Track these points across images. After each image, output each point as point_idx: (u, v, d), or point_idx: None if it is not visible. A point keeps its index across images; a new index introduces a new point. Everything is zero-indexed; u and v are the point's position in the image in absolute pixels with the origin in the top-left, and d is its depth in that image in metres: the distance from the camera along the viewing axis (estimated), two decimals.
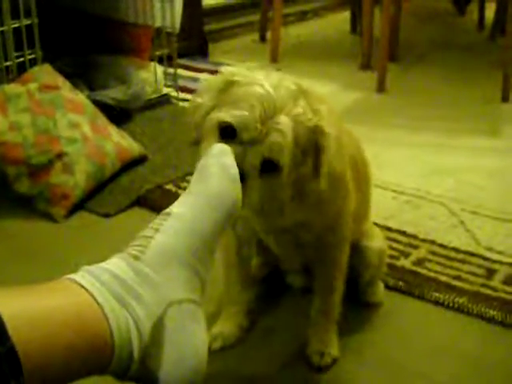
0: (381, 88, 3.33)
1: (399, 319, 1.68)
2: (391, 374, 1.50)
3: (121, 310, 0.95)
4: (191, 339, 1.03)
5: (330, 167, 1.25)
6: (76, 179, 2.15)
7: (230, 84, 1.22)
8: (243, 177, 1.12)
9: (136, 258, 1.01)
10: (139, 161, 2.43)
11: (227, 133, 1.16)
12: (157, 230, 1.05)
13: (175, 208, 1.09)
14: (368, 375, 1.49)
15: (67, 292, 0.95)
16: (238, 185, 1.10)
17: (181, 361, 1.01)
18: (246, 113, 1.14)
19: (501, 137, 2.86)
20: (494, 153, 2.67)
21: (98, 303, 0.94)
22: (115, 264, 1.00)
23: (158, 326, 0.99)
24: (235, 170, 1.10)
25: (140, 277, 0.99)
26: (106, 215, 2.12)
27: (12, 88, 2.28)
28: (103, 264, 1.01)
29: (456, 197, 2.26)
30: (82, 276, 0.97)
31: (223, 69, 1.28)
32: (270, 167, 1.17)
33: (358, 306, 1.71)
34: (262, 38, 4.29)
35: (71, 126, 2.25)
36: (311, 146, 1.21)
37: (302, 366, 1.51)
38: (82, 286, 0.95)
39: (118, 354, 0.95)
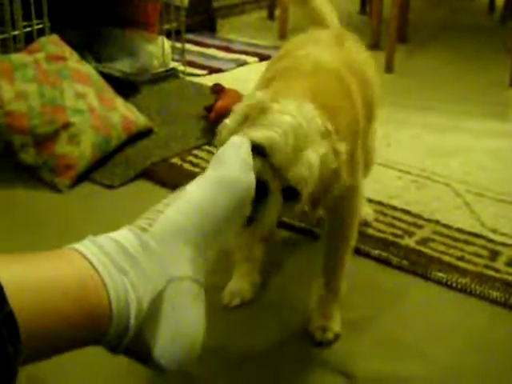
0: (389, 68, 3.32)
1: (402, 298, 1.68)
2: (392, 352, 1.50)
3: (121, 280, 0.94)
4: (189, 318, 1.02)
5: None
6: (81, 150, 2.15)
7: (262, 110, 1.21)
8: (266, 193, 1.14)
9: (143, 230, 1.00)
10: (145, 133, 2.43)
11: (256, 152, 1.15)
12: (168, 206, 1.04)
13: (190, 187, 1.08)
14: (369, 354, 1.49)
15: (68, 261, 0.93)
16: (252, 175, 1.09)
17: (176, 338, 1.00)
18: (279, 137, 1.15)
19: (508, 120, 2.85)
20: (501, 136, 2.67)
21: (98, 273, 0.93)
22: (122, 234, 0.99)
23: (157, 301, 0.98)
24: (250, 160, 1.10)
25: (145, 249, 0.98)
26: (111, 186, 2.12)
27: (19, 57, 2.27)
28: (110, 234, 1.00)
29: (461, 178, 2.26)
30: (85, 246, 0.96)
31: (254, 94, 1.27)
32: (291, 194, 1.18)
33: (360, 285, 1.71)
34: (271, 16, 4.28)
35: (78, 96, 2.24)
36: (328, 185, 1.25)
37: (304, 341, 1.52)
38: (84, 256, 0.94)
39: (115, 324, 0.93)
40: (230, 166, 1.09)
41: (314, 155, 1.17)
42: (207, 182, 1.08)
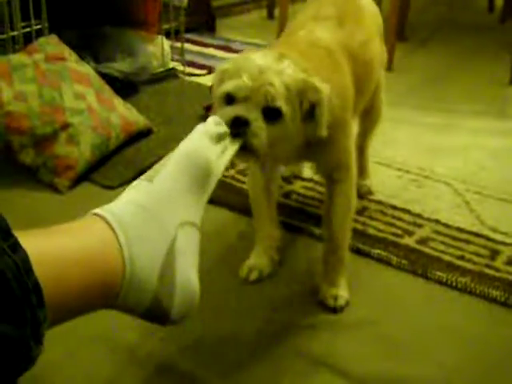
0: (388, 67, 3.31)
1: (401, 298, 1.68)
2: (392, 352, 1.49)
3: (139, 247, 1.00)
4: (193, 269, 1.09)
5: (330, 112, 1.43)
6: (81, 150, 2.15)
7: (225, 70, 1.44)
8: (249, 123, 1.31)
9: (151, 178, 1.09)
10: (144, 134, 2.43)
11: (230, 100, 1.37)
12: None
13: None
14: (369, 354, 1.49)
15: (91, 231, 0.99)
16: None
17: (187, 293, 1.07)
18: (237, 80, 1.36)
19: (507, 118, 2.85)
20: (501, 134, 2.66)
21: (119, 243, 0.98)
22: (136, 189, 1.08)
23: (170, 254, 1.04)
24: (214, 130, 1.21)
25: (156, 199, 1.06)
26: (110, 187, 2.12)
27: (18, 58, 2.27)
28: (126, 194, 1.08)
29: (461, 177, 2.26)
30: (109, 212, 1.02)
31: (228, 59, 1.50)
32: (272, 115, 1.35)
33: (359, 285, 1.71)
34: (270, 15, 4.28)
35: (77, 97, 2.24)
36: (306, 99, 1.40)
37: (304, 339, 1.52)
38: (109, 225, 1.00)
39: (126, 290, 0.99)
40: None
41: (270, 75, 1.36)
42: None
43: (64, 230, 0.98)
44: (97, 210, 1.03)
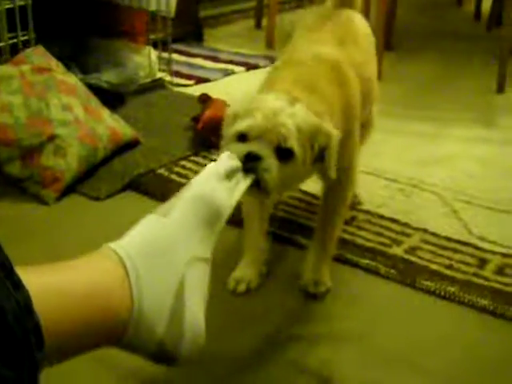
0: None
1: (390, 308, 1.68)
2: (382, 363, 1.49)
3: (148, 287, 1.01)
4: (200, 306, 1.09)
5: (339, 130, 1.50)
6: (68, 162, 2.14)
7: (237, 112, 1.48)
8: (262, 158, 1.35)
9: (165, 215, 1.09)
10: (132, 145, 2.42)
11: (242, 138, 1.42)
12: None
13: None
14: (358, 364, 1.48)
15: (101, 267, 0.99)
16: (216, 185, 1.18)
17: (195, 330, 1.07)
18: (251, 119, 1.41)
19: (495, 127, 2.85)
20: (488, 143, 2.67)
21: (129, 281, 0.99)
22: (149, 224, 1.08)
23: (181, 288, 1.05)
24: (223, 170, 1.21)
25: (167, 235, 1.06)
26: (98, 198, 2.11)
27: (4, 69, 2.26)
28: (138, 228, 1.08)
29: (449, 186, 2.26)
30: (123, 248, 1.02)
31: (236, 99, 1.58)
32: (284, 154, 1.40)
33: (348, 295, 1.71)
34: (258, 25, 4.27)
35: (64, 108, 2.23)
36: (317, 142, 1.45)
37: (296, 349, 1.51)
38: (122, 263, 1.00)
39: (133, 331, 0.99)
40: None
41: (283, 117, 1.41)
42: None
43: (72, 265, 0.98)
44: (111, 245, 1.03)
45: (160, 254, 1.04)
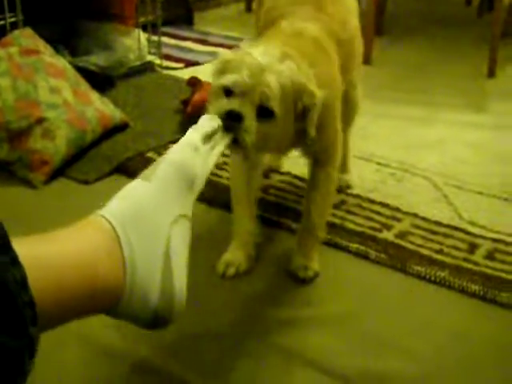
0: (366, 60, 3.30)
1: (380, 292, 1.67)
2: (372, 348, 1.48)
3: (141, 251, 1.02)
4: (186, 262, 1.11)
5: (322, 103, 1.49)
6: (56, 145, 2.12)
7: (226, 61, 1.49)
8: (242, 118, 1.37)
9: (147, 179, 1.12)
10: (121, 128, 2.41)
11: (227, 92, 1.42)
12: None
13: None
14: (348, 350, 1.47)
15: (91, 235, 1.00)
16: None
17: (181, 294, 1.09)
18: (237, 75, 1.41)
19: (486, 112, 2.85)
20: (479, 128, 2.67)
21: (120, 247, 1.01)
22: (135, 188, 1.11)
23: (168, 250, 1.06)
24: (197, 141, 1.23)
25: (152, 195, 1.09)
26: (86, 182, 2.10)
27: None
28: (125, 191, 1.11)
29: (440, 171, 2.25)
30: (112, 215, 1.03)
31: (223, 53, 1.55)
32: (265, 113, 1.41)
33: (338, 279, 1.70)
34: (248, 8, 4.25)
35: (52, 91, 2.21)
36: (301, 101, 1.46)
37: (286, 335, 1.50)
38: (113, 228, 1.02)
39: (127, 298, 1.01)
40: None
41: (269, 75, 1.41)
42: None
43: (60, 235, 0.99)
44: (101, 211, 1.05)
45: (147, 217, 1.06)
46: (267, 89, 1.40)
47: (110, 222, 1.02)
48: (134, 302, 1.02)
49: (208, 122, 1.28)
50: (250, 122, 1.39)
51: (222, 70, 1.48)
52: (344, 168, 2.09)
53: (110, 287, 0.98)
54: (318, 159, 1.70)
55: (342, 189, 2.06)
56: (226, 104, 1.39)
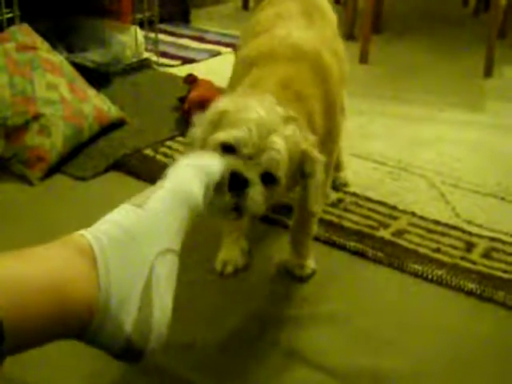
0: (364, 59, 3.31)
1: (377, 291, 1.67)
2: (369, 346, 1.48)
3: (118, 277, 0.98)
4: (169, 299, 1.05)
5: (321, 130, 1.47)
6: (53, 141, 2.11)
7: (224, 113, 1.35)
8: (247, 184, 1.27)
9: (139, 206, 1.06)
10: (117, 125, 2.40)
11: (227, 149, 1.29)
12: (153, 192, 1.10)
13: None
14: (346, 348, 1.47)
15: (63, 258, 0.96)
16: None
17: (162, 325, 1.03)
18: (244, 133, 1.28)
19: (483, 111, 2.85)
20: (476, 127, 2.67)
21: (97, 271, 0.96)
22: (122, 215, 1.05)
23: (150, 280, 1.02)
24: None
25: (141, 225, 1.04)
26: (83, 178, 2.09)
27: None
28: (113, 216, 1.05)
29: (437, 169, 2.25)
30: (95, 237, 0.99)
31: (218, 102, 1.40)
32: (268, 179, 1.31)
33: (335, 278, 1.70)
34: (245, 6, 4.25)
35: (49, 87, 2.21)
36: (302, 166, 1.38)
37: (283, 332, 1.50)
38: (93, 252, 0.98)
39: (99, 324, 0.96)
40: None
41: (278, 139, 1.30)
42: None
43: (33, 254, 0.95)
44: (83, 232, 1.01)
45: (132, 245, 1.01)
46: (277, 155, 1.29)
47: (90, 243, 0.99)
48: (106, 328, 0.97)
49: (212, 163, 1.20)
50: (257, 188, 1.29)
51: (217, 123, 1.36)
52: (339, 167, 2.09)
53: (81, 308, 0.94)
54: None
55: (339, 186, 2.06)
56: (231, 163, 1.26)
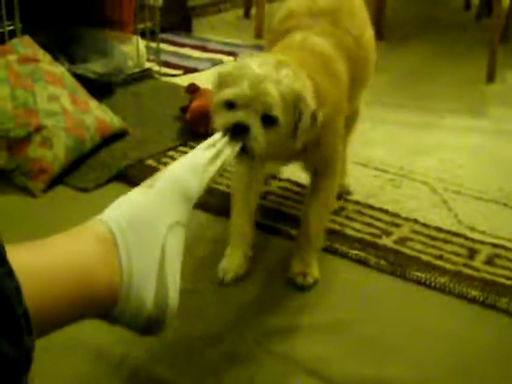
0: None
1: (380, 299, 1.67)
2: (372, 355, 1.48)
3: (138, 260, 1.04)
4: (179, 268, 1.12)
5: (322, 117, 1.53)
6: (55, 153, 2.12)
7: (225, 75, 1.53)
8: (249, 128, 1.43)
9: (150, 186, 1.16)
10: (120, 135, 2.40)
11: (230, 105, 1.47)
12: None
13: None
14: (348, 357, 1.47)
15: (90, 241, 1.01)
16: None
17: (175, 296, 1.10)
18: (239, 88, 1.46)
19: (485, 117, 2.85)
20: (478, 133, 2.67)
21: (118, 253, 1.02)
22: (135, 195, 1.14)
23: (163, 256, 1.08)
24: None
25: (152, 202, 1.12)
26: (85, 190, 2.09)
27: None
28: (126, 198, 1.15)
29: (439, 176, 2.25)
30: (112, 219, 1.06)
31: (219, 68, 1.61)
32: (269, 121, 1.46)
33: (337, 286, 1.70)
34: (247, 15, 4.26)
35: (51, 99, 2.21)
36: (298, 108, 1.49)
37: (284, 338, 1.50)
38: (112, 234, 1.04)
39: (123, 305, 1.02)
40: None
41: (269, 84, 1.45)
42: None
43: (55, 242, 1.00)
44: (102, 217, 1.08)
45: (145, 224, 1.07)
46: (268, 98, 1.44)
47: (109, 228, 1.04)
48: (129, 308, 1.02)
49: (210, 147, 1.32)
50: (257, 130, 1.44)
51: (221, 84, 1.52)
52: (342, 174, 2.08)
53: (104, 294, 0.99)
54: (318, 172, 1.73)
55: (341, 194, 2.06)
56: (232, 117, 1.44)
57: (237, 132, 1.41)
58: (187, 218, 1.18)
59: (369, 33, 1.92)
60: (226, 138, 1.37)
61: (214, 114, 1.51)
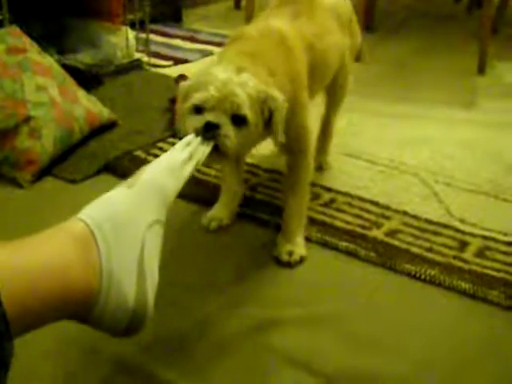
0: (356, 57, 3.29)
1: (370, 291, 1.66)
2: (362, 347, 1.47)
3: (119, 258, 1.04)
4: (157, 266, 1.12)
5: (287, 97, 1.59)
6: (43, 144, 2.10)
7: (189, 86, 1.57)
8: (220, 127, 1.46)
9: (130, 186, 1.16)
10: (108, 126, 2.39)
11: (198, 110, 1.51)
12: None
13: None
14: (338, 349, 1.46)
15: (68, 241, 1.00)
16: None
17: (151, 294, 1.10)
18: (205, 92, 1.50)
19: (476, 109, 2.85)
20: (469, 125, 2.66)
21: (98, 250, 1.02)
22: (116, 195, 1.14)
23: (142, 257, 1.08)
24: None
25: (132, 204, 1.11)
26: (74, 181, 2.08)
27: None
28: (107, 196, 1.14)
29: (430, 168, 2.24)
30: (91, 218, 1.05)
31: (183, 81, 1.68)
32: (239, 121, 1.50)
33: (327, 278, 1.69)
34: (237, 6, 4.25)
35: (39, 89, 2.19)
36: (266, 107, 1.54)
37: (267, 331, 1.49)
38: (91, 232, 1.03)
39: (103, 304, 1.01)
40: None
41: (234, 86, 1.49)
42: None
43: (31, 242, 0.98)
44: (82, 215, 1.06)
45: (125, 222, 1.08)
46: (236, 98, 1.49)
47: (88, 226, 1.03)
48: (111, 305, 1.02)
49: (183, 150, 1.33)
50: (228, 127, 1.48)
51: (186, 96, 1.56)
52: (322, 150, 2.20)
53: (82, 293, 0.98)
54: (291, 149, 1.77)
55: (318, 169, 2.15)
56: (202, 118, 1.47)
57: (208, 131, 1.44)
58: (165, 217, 1.19)
59: (334, 35, 1.97)
60: (199, 139, 1.40)
61: (184, 119, 1.55)
